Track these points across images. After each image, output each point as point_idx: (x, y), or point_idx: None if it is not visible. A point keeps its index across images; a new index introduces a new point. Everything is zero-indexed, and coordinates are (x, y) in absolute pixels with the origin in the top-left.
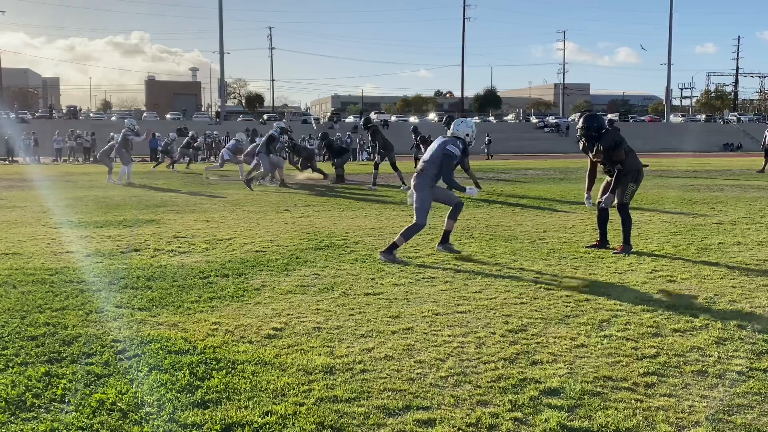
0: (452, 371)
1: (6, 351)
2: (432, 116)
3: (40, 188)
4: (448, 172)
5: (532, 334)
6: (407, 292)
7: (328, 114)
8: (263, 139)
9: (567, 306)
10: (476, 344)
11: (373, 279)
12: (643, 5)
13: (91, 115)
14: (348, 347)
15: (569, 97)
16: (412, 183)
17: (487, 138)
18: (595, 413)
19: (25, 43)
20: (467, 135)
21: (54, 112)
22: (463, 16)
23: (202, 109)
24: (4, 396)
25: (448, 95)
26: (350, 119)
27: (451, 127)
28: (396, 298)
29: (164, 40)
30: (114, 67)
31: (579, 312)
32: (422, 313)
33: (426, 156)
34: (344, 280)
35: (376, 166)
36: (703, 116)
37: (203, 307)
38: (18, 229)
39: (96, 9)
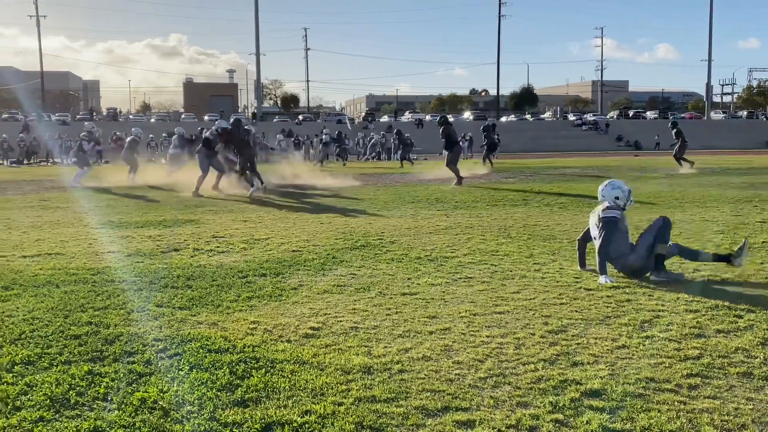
0: (491, 372)
1: (50, 349)
2: (467, 115)
3: (81, 189)
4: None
5: (573, 335)
6: (444, 292)
7: (363, 114)
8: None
9: (608, 306)
10: (515, 345)
11: (409, 279)
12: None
13: (130, 117)
14: (385, 347)
15: (607, 94)
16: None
17: (468, 135)
18: (638, 415)
19: (65, 46)
20: (617, 198)
21: (94, 114)
22: (499, 13)
23: (239, 111)
24: (49, 394)
25: (483, 93)
26: (384, 119)
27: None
28: (433, 299)
29: (201, 42)
30: (152, 70)
31: (620, 312)
32: (460, 313)
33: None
34: (380, 279)
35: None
36: (745, 113)
37: (242, 307)
38: (60, 230)
39: (134, 12)
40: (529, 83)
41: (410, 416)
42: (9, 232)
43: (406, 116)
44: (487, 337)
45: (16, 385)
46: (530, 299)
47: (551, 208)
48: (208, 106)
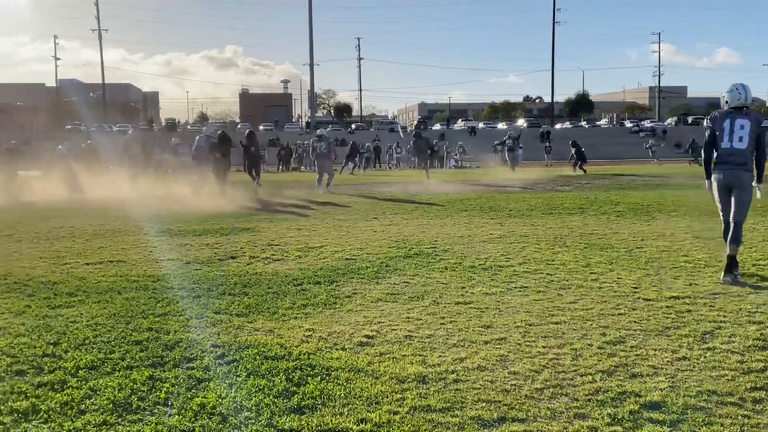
0: (548, 383)
1: (113, 355)
2: (521, 122)
3: (143, 197)
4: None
5: (631, 346)
6: (499, 301)
7: (415, 122)
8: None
9: (667, 317)
10: (572, 356)
11: (463, 288)
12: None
13: (188, 127)
14: (440, 356)
15: (665, 100)
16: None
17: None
18: (699, 429)
19: (124, 58)
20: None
21: (154, 124)
22: (553, 20)
23: (293, 120)
24: (112, 398)
25: (537, 101)
26: (437, 126)
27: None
28: (487, 308)
29: (256, 53)
30: (209, 81)
31: (680, 324)
32: (515, 323)
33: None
34: (434, 288)
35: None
36: None
37: (297, 314)
38: (122, 238)
39: (191, 25)
40: (585, 90)
41: (466, 426)
42: (73, 240)
43: (459, 124)
44: (544, 347)
45: (81, 389)
46: (587, 309)
47: (608, 217)
48: (263, 116)
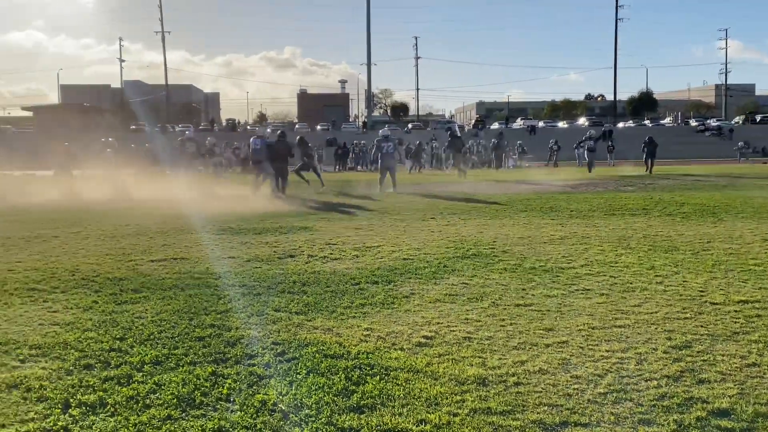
0: (611, 388)
1: (176, 350)
2: (582, 121)
3: (201, 198)
4: None
5: (698, 351)
6: (560, 304)
7: (473, 121)
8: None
9: (736, 322)
10: (637, 360)
11: (523, 289)
12: None
13: (248, 127)
14: (500, 359)
15: (732, 98)
16: None
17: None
18: None
19: (186, 60)
20: None
21: (215, 125)
22: (616, 16)
23: (350, 120)
24: (176, 393)
25: (599, 99)
26: (495, 126)
27: None
28: (549, 310)
29: (314, 53)
30: (268, 81)
31: (749, 329)
32: (577, 326)
33: None
34: (494, 290)
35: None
36: None
37: (355, 313)
38: (184, 236)
39: (251, 26)
40: (648, 88)
41: (527, 430)
42: (138, 238)
43: (518, 123)
44: (607, 351)
45: (146, 383)
46: (652, 313)
47: (673, 218)
48: (321, 115)
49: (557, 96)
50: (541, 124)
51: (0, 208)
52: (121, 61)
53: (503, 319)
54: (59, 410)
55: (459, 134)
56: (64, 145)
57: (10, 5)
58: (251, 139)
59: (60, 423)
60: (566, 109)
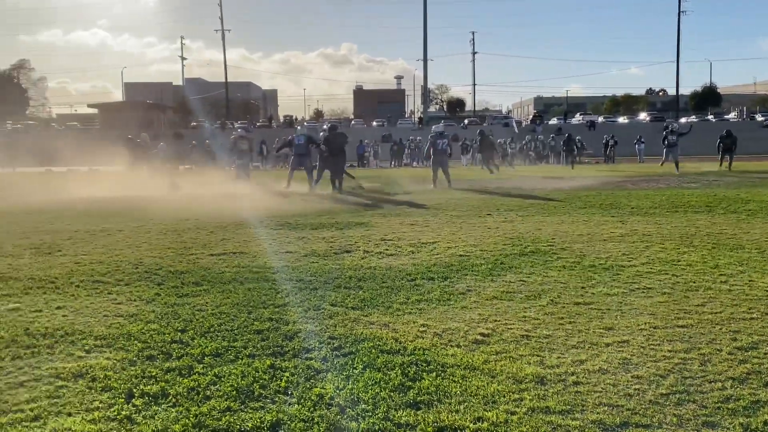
0: (674, 389)
1: (236, 343)
2: (643, 116)
3: (259, 194)
4: None
5: (765, 353)
6: (621, 302)
7: (530, 116)
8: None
9: None
10: (700, 361)
11: (583, 288)
12: None
13: (305, 124)
14: (559, 357)
15: None
16: None
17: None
18: None
19: (244, 57)
20: None
21: (273, 122)
22: (679, 8)
23: (406, 116)
24: (235, 385)
25: (660, 93)
26: (553, 121)
27: None
28: (609, 309)
29: (371, 50)
30: (324, 78)
31: None
32: (638, 325)
33: None
34: (552, 287)
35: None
36: None
37: (411, 309)
38: (243, 230)
39: (308, 24)
40: (712, 82)
41: (587, 430)
42: (198, 232)
43: (577, 118)
44: (669, 351)
45: (206, 375)
46: (716, 313)
47: (738, 216)
48: (376, 111)
49: (617, 91)
50: (600, 119)
51: (66, 203)
52: (183, 59)
53: (562, 318)
54: (123, 400)
55: (488, 134)
56: (134, 140)
57: (75, 5)
58: (293, 136)
59: (124, 412)
60: (626, 104)
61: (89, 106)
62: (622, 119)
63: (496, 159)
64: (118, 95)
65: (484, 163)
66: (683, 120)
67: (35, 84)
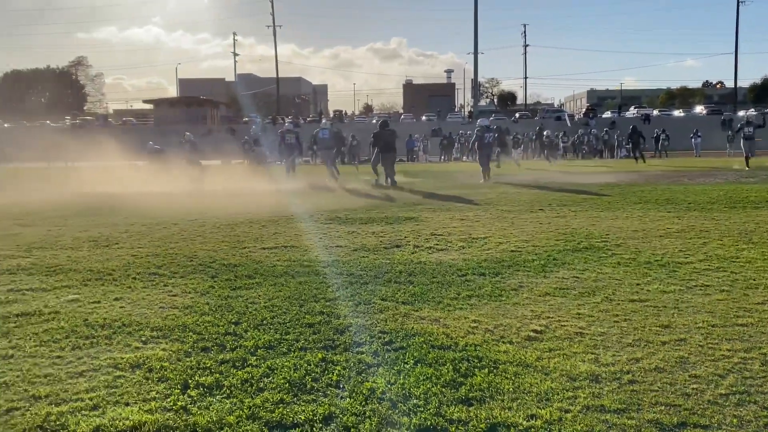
0: (734, 389)
1: (288, 336)
2: (699, 109)
3: (307, 189)
4: None
5: None
6: (678, 300)
7: (583, 110)
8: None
9: None
10: (761, 361)
11: (638, 285)
12: None
13: (354, 119)
14: (614, 355)
15: None
16: None
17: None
18: None
19: (295, 53)
20: None
21: (322, 116)
22: None
23: (456, 110)
24: (288, 378)
25: (718, 86)
26: (607, 114)
27: None
28: (665, 306)
29: (420, 44)
30: (374, 73)
31: None
32: (696, 323)
33: None
34: (606, 284)
35: None
36: None
37: (462, 305)
38: (294, 224)
39: (359, 18)
40: None
41: (643, 429)
42: (250, 226)
43: (631, 111)
44: (728, 350)
45: (260, 367)
46: None
47: None
48: (426, 106)
49: (673, 83)
50: (655, 112)
51: (124, 197)
52: (235, 55)
53: (617, 315)
54: (178, 390)
55: (502, 129)
56: (152, 146)
57: (130, 2)
58: (318, 130)
59: (179, 403)
60: (683, 97)
61: (144, 101)
62: (677, 112)
63: (514, 154)
64: (172, 91)
65: (497, 158)
66: (741, 113)
67: (92, 80)
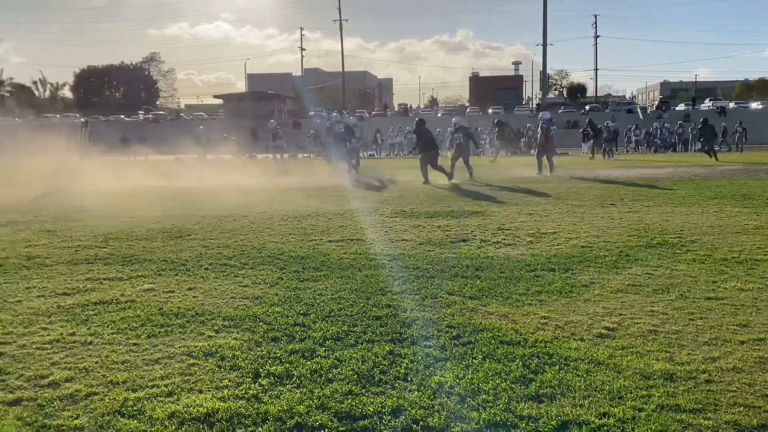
0: None
1: (355, 328)
2: None
3: (375, 183)
4: None
5: None
6: (756, 298)
7: (656, 102)
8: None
9: None
10: None
11: (714, 282)
12: None
13: (420, 112)
14: (689, 354)
15: None
16: None
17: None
18: None
19: (360, 47)
20: None
21: (388, 110)
22: None
23: (523, 103)
24: (356, 369)
25: None
26: (681, 107)
27: None
28: (743, 305)
29: (487, 35)
30: (439, 65)
31: None
32: None
33: None
34: (681, 281)
35: None
36: None
37: (531, 300)
38: (359, 218)
39: (425, 11)
40: None
41: (720, 430)
42: (317, 219)
43: (706, 103)
44: None
45: (328, 358)
46: None
47: None
48: (493, 98)
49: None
50: (731, 105)
51: (198, 190)
52: (302, 50)
53: (692, 313)
54: (250, 379)
55: (504, 121)
56: (197, 135)
57: None
58: (330, 122)
59: (251, 392)
60: (761, 88)
61: (214, 96)
62: (755, 104)
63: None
64: (240, 86)
65: (497, 150)
66: None
67: (164, 76)
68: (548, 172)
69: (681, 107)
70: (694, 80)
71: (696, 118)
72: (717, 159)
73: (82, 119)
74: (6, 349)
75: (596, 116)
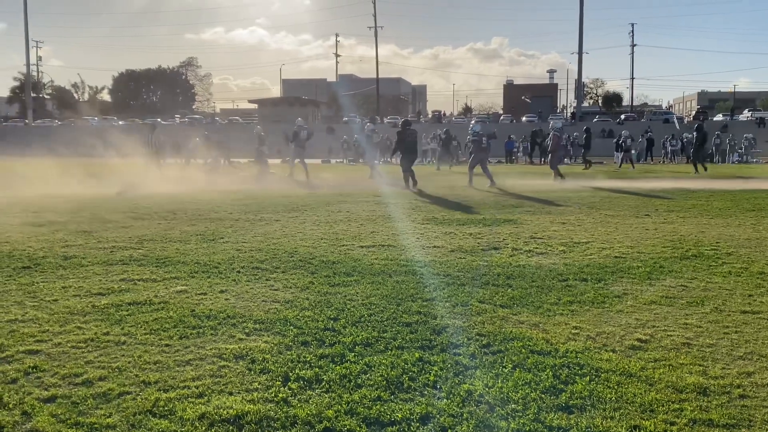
0: None
1: (385, 334)
2: None
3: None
4: None
5: None
6: None
7: (693, 112)
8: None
9: None
10: None
11: (750, 296)
12: None
13: (453, 119)
14: (723, 368)
15: None
16: None
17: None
18: None
19: (395, 53)
20: None
21: (421, 117)
22: None
23: (558, 111)
24: (385, 375)
25: None
26: (718, 117)
27: None
28: None
29: (522, 43)
30: (473, 73)
31: None
32: None
33: None
34: (716, 294)
35: None
36: None
37: (563, 310)
38: (391, 224)
39: (460, 18)
40: None
41: None
42: (348, 224)
43: (745, 114)
44: None
45: (357, 364)
46: None
47: None
48: (527, 106)
49: None
50: None
51: (229, 194)
52: (337, 56)
53: (727, 326)
54: (279, 383)
55: (480, 131)
56: (208, 135)
57: (236, 4)
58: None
59: (280, 395)
60: None
61: (249, 101)
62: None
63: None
64: (275, 91)
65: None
66: None
67: (201, 80)
68: (558, 179)
69: (719, 117)
70: (732, 90)
71: (734, 129)
72: (704, 171)
73: (149, 122)
74: (42, 347)
75: (631, 126)
